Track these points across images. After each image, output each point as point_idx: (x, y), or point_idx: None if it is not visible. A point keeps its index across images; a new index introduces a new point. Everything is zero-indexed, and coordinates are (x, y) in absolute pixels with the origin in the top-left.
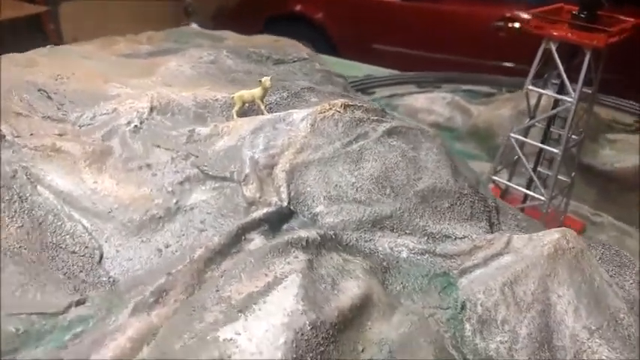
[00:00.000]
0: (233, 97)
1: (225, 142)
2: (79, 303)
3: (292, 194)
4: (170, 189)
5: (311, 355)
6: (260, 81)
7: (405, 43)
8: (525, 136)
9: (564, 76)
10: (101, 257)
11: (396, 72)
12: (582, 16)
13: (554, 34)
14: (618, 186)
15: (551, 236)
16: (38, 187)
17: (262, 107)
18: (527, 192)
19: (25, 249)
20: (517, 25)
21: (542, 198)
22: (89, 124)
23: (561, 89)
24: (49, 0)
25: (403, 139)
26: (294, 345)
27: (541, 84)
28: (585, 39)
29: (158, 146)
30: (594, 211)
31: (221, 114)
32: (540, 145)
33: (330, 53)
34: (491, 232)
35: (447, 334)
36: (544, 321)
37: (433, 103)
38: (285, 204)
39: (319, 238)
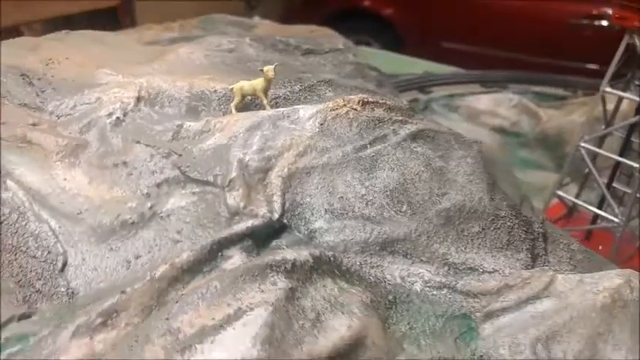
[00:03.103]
0: (232, 89)
1: (216, 140)
2: (22, 317)
3: (288, 205)
4: (145, 191)
5: None
6: (261, 70)
7: (478, 41)
8: (600, 146)
9: None
10: (64, 265)
11: (460, 70)
12: None
13: None
14: None
15: (610, 281)
16: (8, 181)
17: (265, 101)
18: (598, 212)
19: None
20: (605, 22)
21: (616, 220)
22: (68, 115)
23: None
24: None
25: (430, 144)
26: None
27: (622, 86)
28: None
29: (138, 142)
30: None
31: (218, 108)
32: (617, 157)
33: (398, 51)
34: (533, 267)
35: None
36: None
37: (498, 104)
38: (276, 216)
39: (311, 260)
